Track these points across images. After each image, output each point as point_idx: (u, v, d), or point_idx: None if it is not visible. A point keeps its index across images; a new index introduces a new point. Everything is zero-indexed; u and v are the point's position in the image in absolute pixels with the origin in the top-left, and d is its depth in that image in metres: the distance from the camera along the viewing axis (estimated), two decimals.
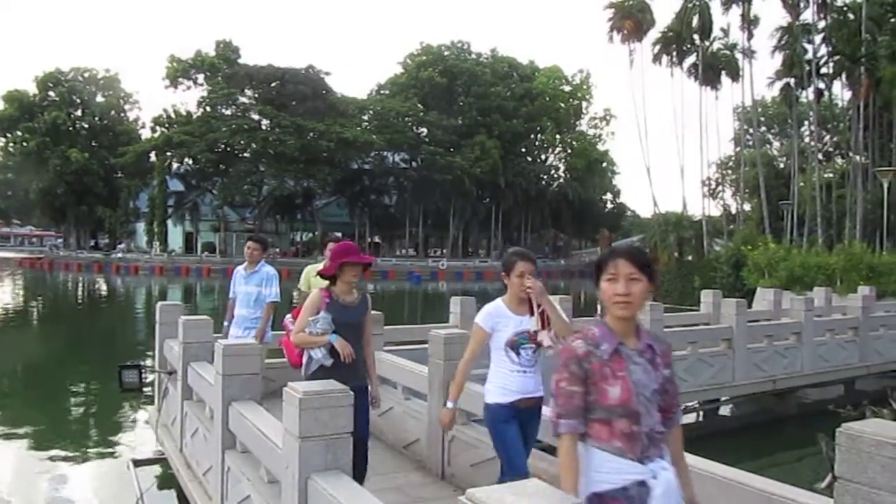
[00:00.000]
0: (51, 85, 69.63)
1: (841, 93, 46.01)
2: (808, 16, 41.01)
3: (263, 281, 7.36)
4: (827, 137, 51.19)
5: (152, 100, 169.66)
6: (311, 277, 7.03)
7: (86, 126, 71.85)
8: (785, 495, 3.18)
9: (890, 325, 13.61)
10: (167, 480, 7.61)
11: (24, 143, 68.02)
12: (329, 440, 3.54)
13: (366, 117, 69.66)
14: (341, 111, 64.78)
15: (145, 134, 70.71)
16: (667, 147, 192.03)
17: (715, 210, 64.87)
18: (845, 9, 41.09)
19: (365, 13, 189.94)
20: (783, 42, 42.00)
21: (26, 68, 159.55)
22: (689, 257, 40.23)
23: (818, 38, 41.46)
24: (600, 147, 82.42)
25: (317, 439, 3.51)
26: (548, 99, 75.89)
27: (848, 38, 38.48)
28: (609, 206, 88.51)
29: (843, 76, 41.44)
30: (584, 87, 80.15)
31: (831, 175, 48.12)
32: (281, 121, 60.27)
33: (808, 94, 43.25)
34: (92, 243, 76.15)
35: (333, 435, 3.54)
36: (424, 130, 71.08)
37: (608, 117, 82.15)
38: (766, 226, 38.24)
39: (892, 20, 38.80)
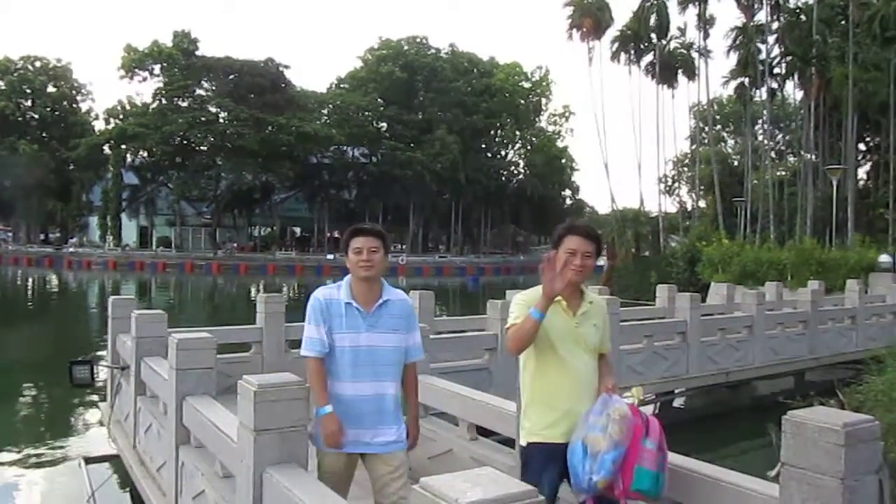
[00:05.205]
0: None
1: (793, 92, 47.20)
2: (762, 17, 41.91)
3: (409, 319, 3.72)
4: (780, 136, 52.44)
5: (106, 91, 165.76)
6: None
7: (36, 117, 69.69)
8: (733, 482, 3.25)
9: (837, 318, 13.98)
10: (120, 478, 7.47)
11: None
12: (284, 433, 3.50)
13: (325, 111, 69.16)
14: (300, 105, 64.21)
15: (99, 126, 69.05)
16: (625, 144, 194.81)
17: (671, 206, 65.93)
18: (797, 10, 42.02)
19: (323, 6, 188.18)
20: (738, 42, 42.78)
21: None
22: (646, 253, 40.74)
23: (771, 39, 42.38)
24: (559, 144, 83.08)
25: (272, 432, 3.47)
26: (507, 95, 76.13)
27: (800, 40, 39.35)
28: (568, 202, 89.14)
29: (796, 76, 42.37)
30: (544, 83, 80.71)
31: (783, 173, 49.23)
32: (239, 114, 59.43)
33: (761, 94, 44.18)
34: (42, 237, 74.19)
35: (289, 428, 3.51)
36: (384, 125, 70.86)
37: (567, 114, 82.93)
38: (721, 222, 38.91)
39: (842, 22, 39.79)
